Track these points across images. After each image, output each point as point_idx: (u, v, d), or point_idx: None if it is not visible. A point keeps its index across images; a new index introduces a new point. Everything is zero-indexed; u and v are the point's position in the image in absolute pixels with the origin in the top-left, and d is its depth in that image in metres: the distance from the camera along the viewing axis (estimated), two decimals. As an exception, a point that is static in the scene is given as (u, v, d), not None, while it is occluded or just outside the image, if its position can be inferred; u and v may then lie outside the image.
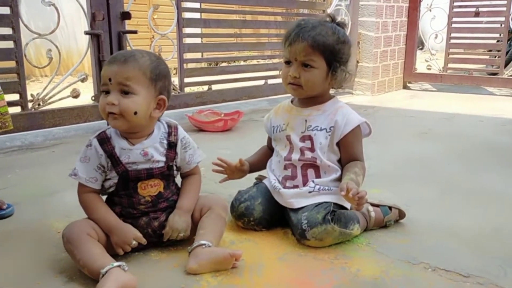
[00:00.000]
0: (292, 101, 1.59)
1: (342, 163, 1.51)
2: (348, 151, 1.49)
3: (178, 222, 1.33)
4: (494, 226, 1.58)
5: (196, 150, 1.44)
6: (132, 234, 1.28)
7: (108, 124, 1.33)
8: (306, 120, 1.51)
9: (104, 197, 1.38)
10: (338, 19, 1.52)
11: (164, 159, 1.35)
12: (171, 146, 1.37)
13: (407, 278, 1.24)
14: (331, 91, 1.58)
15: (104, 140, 1.31)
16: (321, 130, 1.49)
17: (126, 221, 1.32)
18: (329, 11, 4.52)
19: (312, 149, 1.49)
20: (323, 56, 1.43)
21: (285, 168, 1.53)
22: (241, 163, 1.61)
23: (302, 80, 1.45)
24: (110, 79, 1.25)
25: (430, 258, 1.34)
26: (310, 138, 1.49)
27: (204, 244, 1.27)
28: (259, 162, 1.67)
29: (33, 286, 1.20)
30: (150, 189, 1.34)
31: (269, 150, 1.67)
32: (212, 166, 1.62)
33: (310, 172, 1.49)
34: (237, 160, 1.61)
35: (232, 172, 1.62)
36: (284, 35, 1.48)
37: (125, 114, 1.25)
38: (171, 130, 1.39)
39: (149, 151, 1.33)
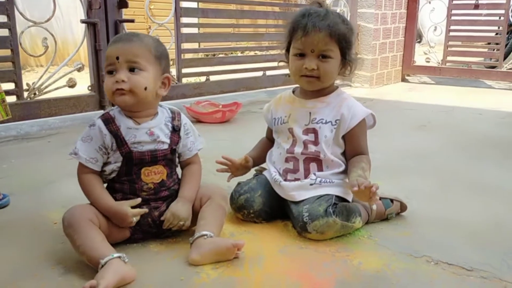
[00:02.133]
0: (293, 92, 1.56)
1: (347, 156, 1.49)
2: (353, 144, 1.47)
3: (180, 209, 1.31)
4: (496, 219, 1.57)
5: (197, 137, 1.44)
6: (129, 216, 1.26)
7: (112, 105, 1.34)
8: (310, 113, 1.48)
9: (105, 185, 1.36)
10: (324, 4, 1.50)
11: (168, 141, 1.34)
12: (175, 130, 1.37)
13: (410, 272, 1.23)
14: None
15: (108, 120, 1.30)
16: (326, 123, 1.46)
17: None
18: (328, 1, 4.48)
19: (316, 143, 1.46)
20: (339, 45, 1.41)
21: (287, 160, 1.50)
22: (246, 160, 1.57)
23: (321, 72, 1.41)
24: (117, 58, 1.25)
25: (433, 251, 1.33)
26: (314, 131, 1.46)
27: (206, 235, 1.25)
28: (261, 156, 1.63)
29: (30, 277, 1.18)
30: (154, 176, 1.33)
31: (269, 142, 1.64)
32: (210, 157, 1.60)
33: (313, 166, 1.47)
34: (236, 152, 1.58)
35: (237, 169, 1.59)
36: (291, 26, 1.44)
37: (135, 89, 1.25)
38: (174, 115, 1.39)
39: (155, 131, 1.32)
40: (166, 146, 1.34)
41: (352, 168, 1.43)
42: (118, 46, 1.26)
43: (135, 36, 1.29)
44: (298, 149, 1.47)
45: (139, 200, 1.30)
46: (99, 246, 1.16)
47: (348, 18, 4.41)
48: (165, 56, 1.34)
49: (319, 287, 1.16)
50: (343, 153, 1.49)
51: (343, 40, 1.41)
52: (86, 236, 1.18)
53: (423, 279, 1.20)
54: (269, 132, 1.64)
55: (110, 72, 1.27)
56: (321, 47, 1.40)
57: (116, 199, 1.31)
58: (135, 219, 1.27)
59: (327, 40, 1.39)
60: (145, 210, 1.30)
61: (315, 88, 1.47)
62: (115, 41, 1.28)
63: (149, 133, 1.31)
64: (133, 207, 1.29)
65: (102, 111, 2.84)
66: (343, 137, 1.47)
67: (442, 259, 1.28)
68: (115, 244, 1.26)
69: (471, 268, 1.24)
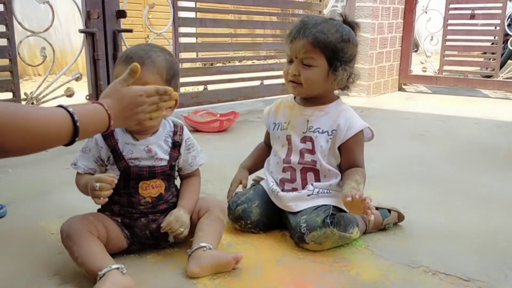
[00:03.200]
0: (295, 98, 1.55)
1: (342, 168, 1.48)
2: (348, 156, 1.46)
3: (183, 215, 1.30)
4: (493, 228, 1.57)
5: (199, 153, 1.42)
6: (92, 180, 1.18)
7: None
8: (308, 120, 1.48)
9: None
10: (349, 18, 1.48)
11: (167, 157, 1.33)
12: (175, 146, 1.35)
13: (407, 282, 1.23)
14: (336, 92, 1.55)
15: (107, 134, 1.28)
16: (322, 132, 1.45)
17: (124, 221, 1.31)
18: (325, 12, 4.51)
19: (312, 152, 1.46)
20: (324, 54, 1.39)
21: (284, 170, 1.50)
22: (244, 185, 1.57)
23: (302, 78, 1.42)
24: None
25: (430, 262, 1.33)
26: (311, 139, 1.46)
27: (205, 247, 1.24)
28: (258, 163, 1.64)
29: (26, 289, 1.17)
30: (151, 190, 1.32)
31: (266, 147, 1.63)
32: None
33: (310, 176, 1.47)
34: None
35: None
36: (287, 32, 1.46)
37: None
38: (177, 130, 1.37)
39: (153, 148, 1.31)
40: (165, 163, 1.32)
41: (346, 180, 1.42)
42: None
43: (148, 58, 1.23)
44: (295, 158, 1.47)
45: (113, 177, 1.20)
46: (98, 258, 1.16)
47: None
48: (176, 75, 1.30)
49: (317, 297, 1.16)
50: (339, 165, 1.49)
51: (329, 50, 1.38)
52: (85, 248, 1.17)
53: (420, 289, 1.20)
54: (268, 137, 1.62)
55: None
56: (301, 55, 1.40)
57: (113, 211, 1.31)
58: (97, 185, 1.16)
59: (309, 48, 1.39)
60: (112, 176, 1.19)
61: (302, 94, 1.48)
62: (125, 61, 1.22)
63: (146, 150, 1.30)
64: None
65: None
66: (339, 148, 1.46)
67: (440, 269, 1.28)
68: (112, 255, 1.25)
69: (468, 279, 1.24)
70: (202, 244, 1.24)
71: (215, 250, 1.26)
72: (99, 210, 1.35)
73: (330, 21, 1.44)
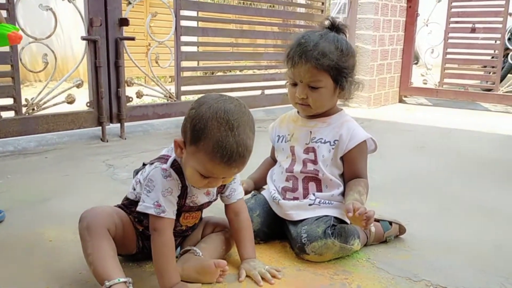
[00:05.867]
0: (298, 111, 1.56)
1: (345, 178, 1.48)
2: (351, 167, 1.46)
3: (257, 264, 1.30)
4: (494, 242, 1.56)
5: (238, 186, 1.35)
6: None
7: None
8: (311, 132, 1.48)
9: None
10: (337, 22, 1.47)
11: (215, 192, 1.31)
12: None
13: (409, 296, 1.22)
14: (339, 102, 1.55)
15: (179, 170, 1.20)
16: (324, 142, 1.46)
17: (146, 233, 1.26)
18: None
19: (315, 162, 1.46)
20: (329, 74, 1.39)
21: (287, 179, 1.50)
22: (244, 189, 1.50)
23: (310, 101, 1.42)
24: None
25: (432, 275, 1.31)
26: (313, 150, 1.46)
27: (195, 251, 1.25)
28: (264, 176, 1.62)
29: (23, 297, 1.16)
30: (190, 220, 1.30)
31: (273, 162, 1.65)
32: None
33: (312, 186, 1.46)
34: None
35: None
36: (285, 54, 1.44)
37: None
38: None
39: (212, 190, 1.28)
40: (213, 198, 1.31)
41: (348, 191, 1.42)
42: (232, 169, 1.13)
43: (248, 153, 1.14)
44: (297, 168, 1.47)
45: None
46: (108, 264, 1.12)
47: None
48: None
49: (317, 310, 1.14)
50: (342, 175, 1.49)
51: (333, 69, 1.39)
52: (100, 248, 1.14)
53: (422, 303, 1.18)
54: (273, 152, 1.63)
55: (205, 177, 1.15)
56: (308, 79, 1.40)
57: (136, 228, 1.27)
58: None
59: (314, 71, 1.38)
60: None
61: (311, 113, 1.48)
62: (233, 161, 1.11)
63: (206, 193, 1.28)
64: None
65: (99, 128, 2.89)
66: (342, 159, 1.46)
67: (441, 283, 1.27)
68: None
69: (470, 293, 1.23)
70: (194, 248, 1.25)
71: (202, 257, 1.25)
72: (124, 208, 1.28)
73: (326, 36, 1.42)
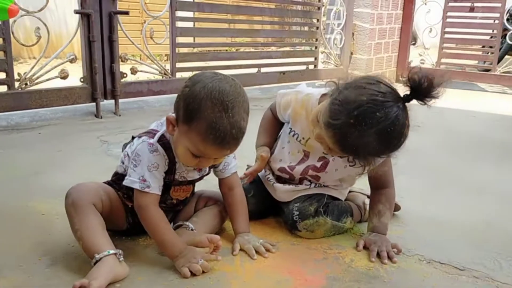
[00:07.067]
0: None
1: (370, 185, 1.41)
2: (378, 179, 1.38)
3: (251, 238, 1.30)
4: (488, 219, 1.57)
5: (232, 160, 1.32)
6: (199, 255, 1.16)
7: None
8: None
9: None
10: (386, 80, 1.25)
11: (207, 168, 1.28)
12: None
13: (402, 270, 1.22)
14: None
15: (166, 146, 1.18)
16: (342, 157, 1.34)
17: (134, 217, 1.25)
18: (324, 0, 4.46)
19: (319, 170, 1.40)
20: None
21: (283, 171, 1.46)
22: (263, 159, 1.45)
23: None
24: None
25: (425, 250, 1.32)
26: (325, 159, 1.39)
27: (188, 227, 1.25)
28: (274, 135, 1.51)
29: (16, 268, 1.15)
30: (181, 193, 1.29)
31: (275, 121, 1.49)
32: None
33: (307, 182, 1.44)
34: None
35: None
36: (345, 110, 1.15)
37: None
38: None
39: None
40: (205, 172, 1.29)
41: (370, 211, 1.38)
42: (225, 151, 1.12)
43: (242, 134, 1.11)
44: (299, 169, 1.42)
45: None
46: (97, 237, 1.12)
47: (344, 17, 4.41)
48: None
49: (310, 283, 1.14)
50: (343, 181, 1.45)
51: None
52: (87, 223, 1.13)
53: (415, 277, 1.19)
54: (276, 110, 1.47)
55: (196, 156, 1.14)
56: (335, 154, 1.30)
57: (129, 196, 1.23)
58: (201, 261, 1.15)
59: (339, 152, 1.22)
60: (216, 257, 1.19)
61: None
62: (226, 142, 1.08)
63: (197, 169, 1.26)
64: None
65: (94, 104, 2.86)
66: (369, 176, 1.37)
67: (434, 258, 1.28)
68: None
69: (463, 268, 1.23)
70: (187, 224, 1.25)
71: (195, 232, 1.25)
72: (113, 184, 1.27)
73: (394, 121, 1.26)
